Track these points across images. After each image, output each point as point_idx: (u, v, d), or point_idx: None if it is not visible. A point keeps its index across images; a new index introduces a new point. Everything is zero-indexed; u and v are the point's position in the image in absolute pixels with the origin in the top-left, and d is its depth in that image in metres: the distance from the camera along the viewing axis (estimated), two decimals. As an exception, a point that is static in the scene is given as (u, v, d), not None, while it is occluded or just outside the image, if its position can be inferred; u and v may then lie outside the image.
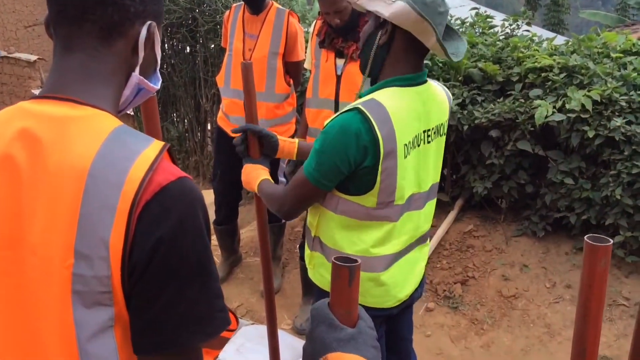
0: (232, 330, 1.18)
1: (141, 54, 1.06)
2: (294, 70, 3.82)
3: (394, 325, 2.30)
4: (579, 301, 1.07)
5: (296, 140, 2.29)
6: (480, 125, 4.05)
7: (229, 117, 3.85)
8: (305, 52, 3.71)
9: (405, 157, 1.87)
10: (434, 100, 1.98)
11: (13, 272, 0.95)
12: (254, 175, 2.15)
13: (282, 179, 4.07)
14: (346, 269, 0.86)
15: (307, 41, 3.78)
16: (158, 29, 1.09)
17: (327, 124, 1.86)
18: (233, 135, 3.70)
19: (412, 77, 1.89)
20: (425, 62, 4.18)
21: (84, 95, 1.00)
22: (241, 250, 4.51)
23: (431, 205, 2.13)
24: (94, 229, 0.91)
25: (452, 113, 3.99)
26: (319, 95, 3.38)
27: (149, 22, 1.06)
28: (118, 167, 0.93)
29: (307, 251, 2.17)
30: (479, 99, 4.20)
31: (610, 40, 4.44)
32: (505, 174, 4.16)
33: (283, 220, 4.10)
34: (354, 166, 1.82)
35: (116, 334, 0.95)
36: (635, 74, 3.88)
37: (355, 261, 0.87)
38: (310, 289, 3.84)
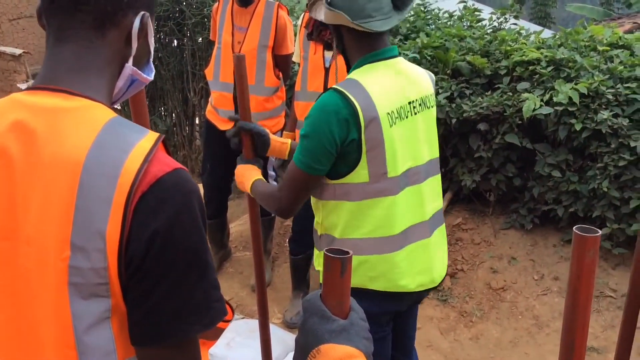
0: (228, 321, 1.19)
1: (134, 44, 1.06)
2: (283, 63, 3.81)
3: (400, 322, 2.30)
4: (568, 292, 1.08)
5: (289, 140, 2.29)
6: (469, 119, 4.06)
7: (218, 110, 3.84)
8: (294, 45, 3.71)
9: (391, 126, 1.90)
10: (408, 72, 2.03)
11: (9, 263, 0.95)
12: (247, 175, 2.16)
13: (271, 172, 4.07)
14: (338, 260, 0.86)
15: (295, 34, 3.77)
16: (151, 20, 1.09)
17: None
18: (224, 129, 3.70)
19: (377, 53, 1.97)
20: (414, 55, 4.22)
21: (78, 86, 0.99)
22: (231, 244, 4.50)
23: (435, 180, 2.13)
24: (90, 221, 0.91)
25: (440, 106, 4.00)
26: (307, 88, 3.38)
27: (142, 13, 1.06)
28: (113, 159, 0.93)
29: (315, 252, 2.19)
30: (467, 92, 4.21)
31: (597, 33, 4.46)
32: (494, 167, 4.17)
33: (273, 214, 4.09)
34: (339, 143, 1.86)
35: (113, 326, 0.95)
36: (622, 67, 3.91)
37: (347, 253, 0.87)
38: (299, 283, 3.84)
